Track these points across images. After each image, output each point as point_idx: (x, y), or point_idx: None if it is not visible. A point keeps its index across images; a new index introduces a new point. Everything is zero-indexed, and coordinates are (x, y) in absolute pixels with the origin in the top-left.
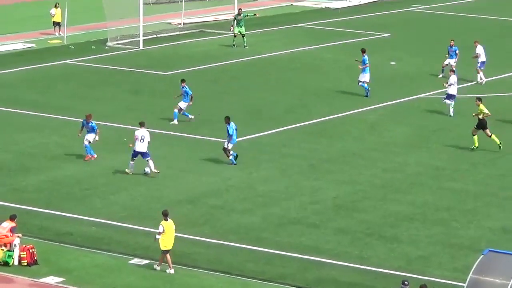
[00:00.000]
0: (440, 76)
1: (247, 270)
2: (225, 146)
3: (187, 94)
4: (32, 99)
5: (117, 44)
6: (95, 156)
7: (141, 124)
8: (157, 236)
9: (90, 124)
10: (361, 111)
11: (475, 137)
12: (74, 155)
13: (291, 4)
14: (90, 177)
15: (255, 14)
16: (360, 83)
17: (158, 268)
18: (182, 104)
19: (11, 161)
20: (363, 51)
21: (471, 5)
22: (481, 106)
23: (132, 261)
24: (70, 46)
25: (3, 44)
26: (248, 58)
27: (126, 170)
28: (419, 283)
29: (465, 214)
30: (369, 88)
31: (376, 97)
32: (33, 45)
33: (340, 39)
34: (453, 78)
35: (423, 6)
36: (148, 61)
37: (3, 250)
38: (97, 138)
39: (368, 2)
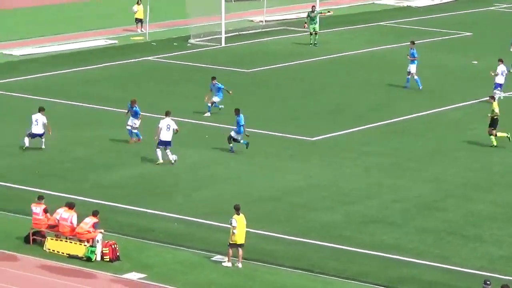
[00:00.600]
0: None
1: (329, 268)
2: (232, 136)
3: (219, 90)
4: (114, 96)
5: (199, 41)
6: (141, 138)
7: (167, 113)
8: (234, 231)
9: (134, 109)
10: (444, 110)
11: (492, 137)
12: None
13: (373, 3)
14: (173, 174)
15: (329, 11)
16: (415, 77)
17: (240, 265)
18: (216, 99)
19: (95, 157)
20: (412, 43)
21: None
22: (494, 105)
23: (214, 258)
24: (152, 43)
25: (86, 41)
26: (331, 56)
27: (157, 162)
28: (501, 283)
29: None
30: (418, 80)
31: (459, 96)
32: (116, 41)
33: (421, 37)
34: (500, 68)
35: (506, 5)
36: (230, 58)
37: (85, 246)
38: (138, 122)
39: (450, 1)
